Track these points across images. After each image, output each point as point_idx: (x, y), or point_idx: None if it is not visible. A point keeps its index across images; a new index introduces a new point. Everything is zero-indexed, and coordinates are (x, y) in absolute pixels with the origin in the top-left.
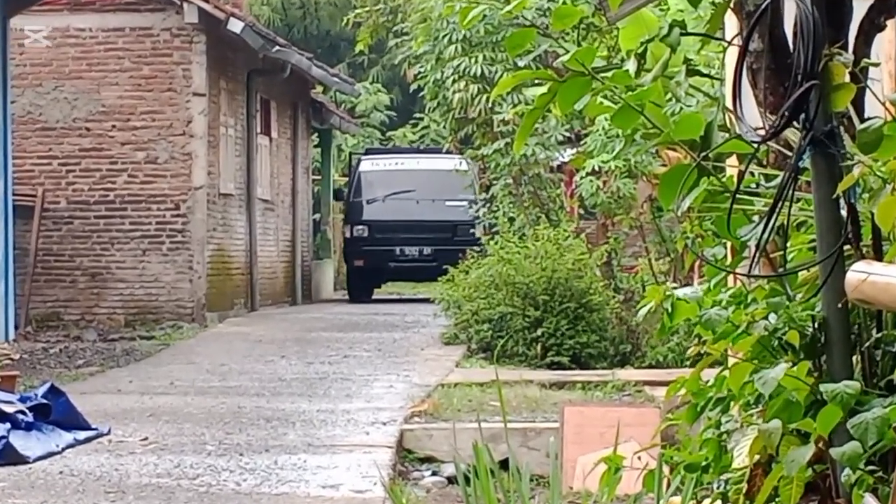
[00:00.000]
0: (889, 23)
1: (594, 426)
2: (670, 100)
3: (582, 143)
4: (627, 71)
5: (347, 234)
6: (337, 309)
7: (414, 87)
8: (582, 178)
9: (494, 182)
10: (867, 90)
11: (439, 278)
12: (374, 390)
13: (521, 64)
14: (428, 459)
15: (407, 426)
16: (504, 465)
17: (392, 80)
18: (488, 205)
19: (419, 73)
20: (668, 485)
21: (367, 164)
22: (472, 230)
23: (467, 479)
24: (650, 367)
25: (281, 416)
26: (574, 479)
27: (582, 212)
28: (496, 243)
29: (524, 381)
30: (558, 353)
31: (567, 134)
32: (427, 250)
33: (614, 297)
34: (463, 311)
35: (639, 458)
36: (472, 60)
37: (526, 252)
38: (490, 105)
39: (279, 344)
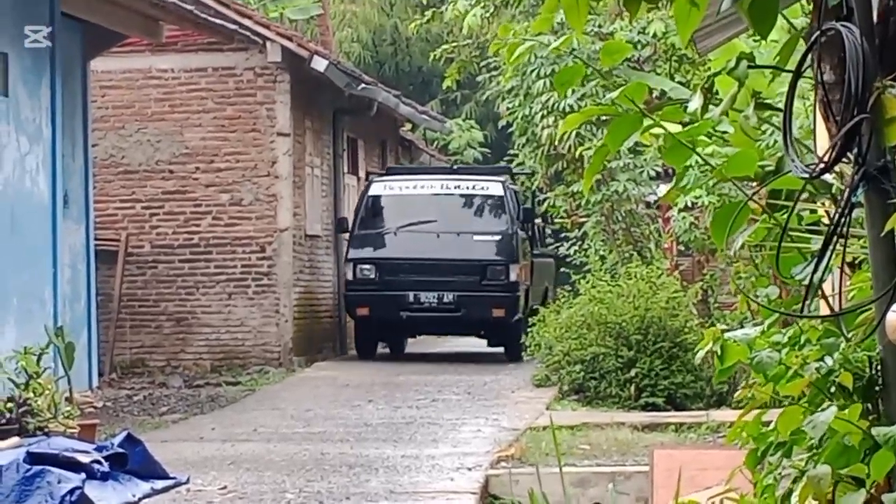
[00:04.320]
0: None
1: (685, 469)
2: (763, 133)
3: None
4: (680, 106)
5: (349, 276)
6: (425, 350)
7: (503, 122)
8: (676, 213)
9: (585, 219)
10: None
11: (464, 331)
12: (461, 435)
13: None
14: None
15: (493, 471)
16: None
17: (486, 117)
18: (579, 243)
19: (508, 108)
20: None
21: (378, 188)
22: (512, 279)
23: None
24: None
25: (364, 463)
26: None
27: (682, 248)
28: (587, 282)
29: (616, 423)
30: (652, 394)
31: (659, 169)
32: (448, 297)
33: (721, 339)
34: (554, 353)
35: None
36: (561, 95)
37: (618, 291)
38: (580, 140)
39: (367, 388)
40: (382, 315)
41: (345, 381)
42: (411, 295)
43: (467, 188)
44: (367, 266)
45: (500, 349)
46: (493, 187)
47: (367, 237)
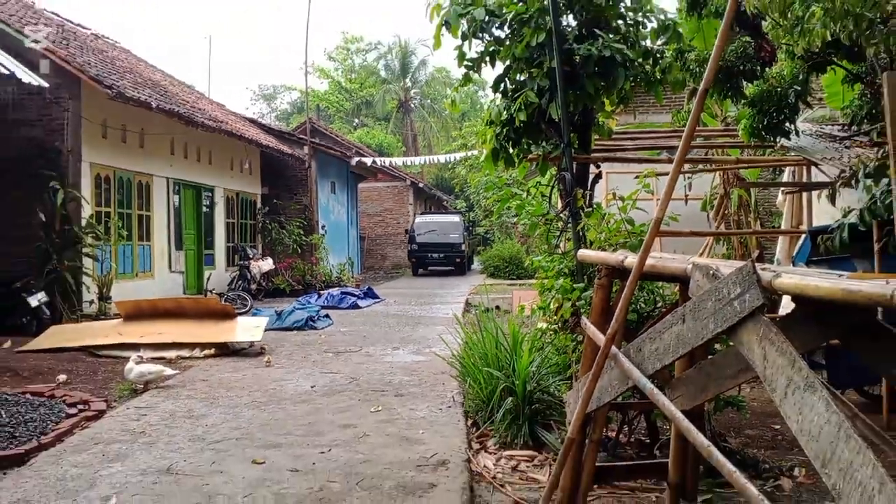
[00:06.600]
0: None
1: (524, 297)
2: (544, 202)
3: None
4: (520, 195)
5: (409, 248)
6: (437, 269)
7: (473, 202)
8: (522, 224)
9: (493, 228)
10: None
11: (446, 266)
12: (459, 288)
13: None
14: (475, 306)
15: (469, 296)
16: (496, 307)
17: (468, 199)
18: (492, 234)
19: (472, 197)
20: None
21: (419, 219)
22: (462, 248)
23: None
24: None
25: (433, 294)
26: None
27: (522, 235)
28: (494, 246)
29: (504, 285)
30: (512, 275)
31: (515, 212)
32: (441, 256)
33: (532, 261)
34: (486, 264)
35: (532, 306)
36: (492, 194)
37: (501, 247)
38: (494, 205)
39: (434, 278)
40: (420, 262)
41: (429, 277)
42: (429, 255)
43: (448, 218)
44: (415, 246)
45: (458, 271)
46: (456, 218)
47: (415, 235)
